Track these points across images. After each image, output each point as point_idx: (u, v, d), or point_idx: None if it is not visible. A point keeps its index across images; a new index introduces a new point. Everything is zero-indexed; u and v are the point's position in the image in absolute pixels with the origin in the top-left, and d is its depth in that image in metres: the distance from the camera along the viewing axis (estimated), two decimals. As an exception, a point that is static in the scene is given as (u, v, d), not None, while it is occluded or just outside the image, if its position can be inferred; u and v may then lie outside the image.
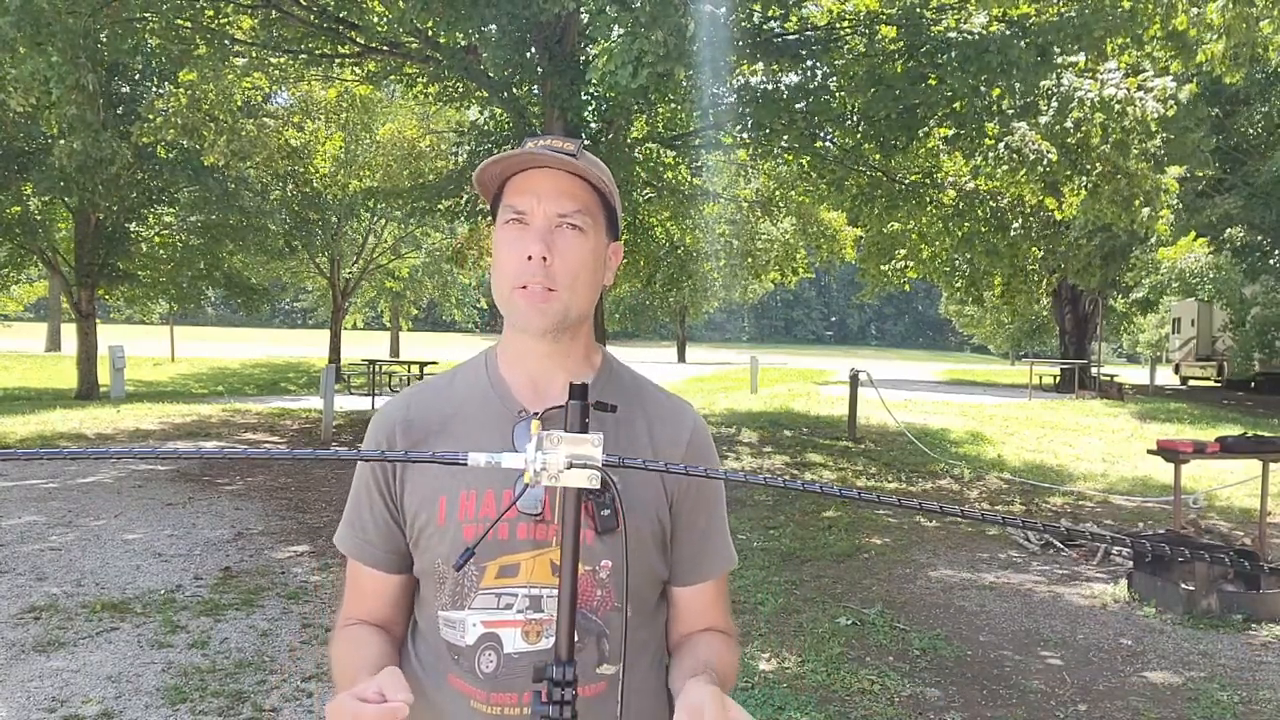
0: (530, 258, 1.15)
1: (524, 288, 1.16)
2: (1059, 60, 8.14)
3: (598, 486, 0.93)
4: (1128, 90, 8.22)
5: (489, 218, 1.27)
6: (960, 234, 12.09)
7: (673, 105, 12.05)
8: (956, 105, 9.09)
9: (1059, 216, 10.79)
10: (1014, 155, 8.93)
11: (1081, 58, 8.31)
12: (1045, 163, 8.81)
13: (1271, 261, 21.26)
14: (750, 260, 18.67)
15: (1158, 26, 8.13)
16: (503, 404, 1.21)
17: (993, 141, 9.47)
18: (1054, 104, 8.39)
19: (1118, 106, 8.18)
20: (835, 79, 9.88)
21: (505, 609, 1.16)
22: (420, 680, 1.21)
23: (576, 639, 1.13)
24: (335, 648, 1.25)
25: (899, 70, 8.90)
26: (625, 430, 1.22)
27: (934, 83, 8.73)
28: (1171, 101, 8.43)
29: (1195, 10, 7.80)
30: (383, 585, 1.25)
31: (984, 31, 8.25)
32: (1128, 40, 8.25)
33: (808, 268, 19.17)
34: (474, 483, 1.16)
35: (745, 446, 11.78)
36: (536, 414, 1.19)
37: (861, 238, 15.64)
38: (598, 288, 1.23)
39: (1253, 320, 21.57)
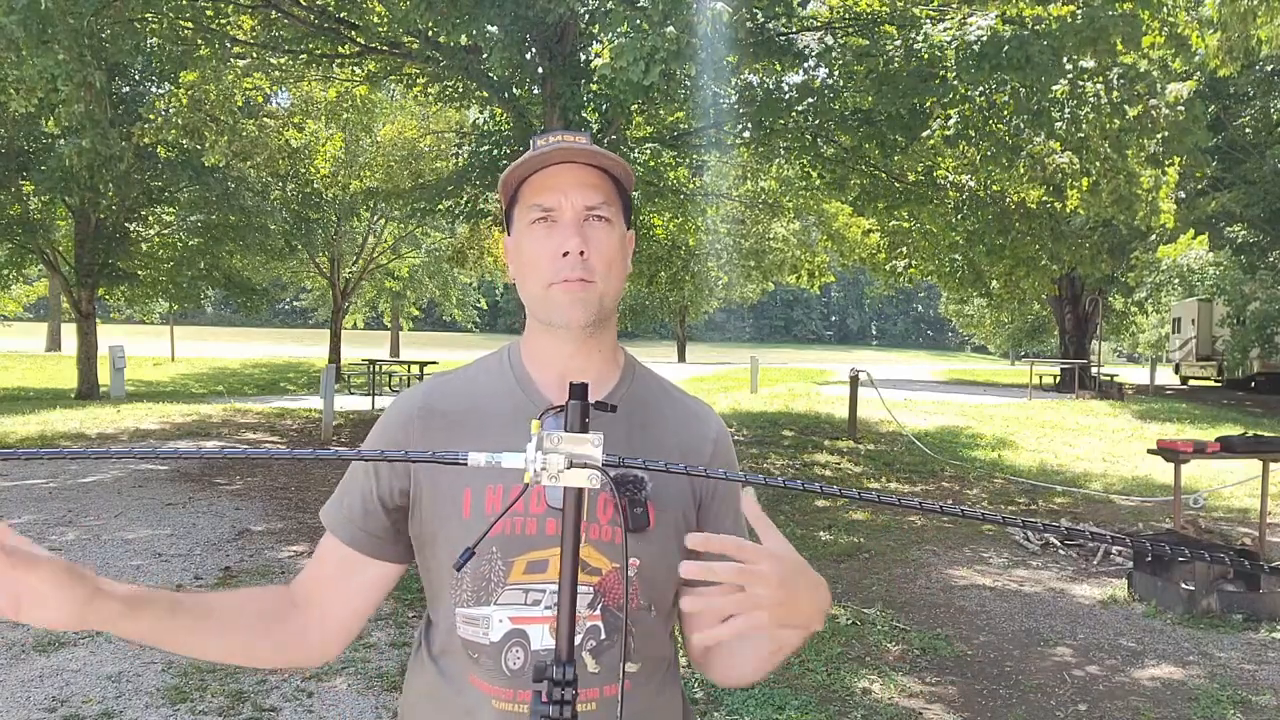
0: (566, 254, 1.14)
1: (563, 281, 1.15)
2: (1069, 65, 8.12)
3: (597, 486, 0.92)
4: (1138, 93, 8.21)
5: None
6: (962, 232, 12.08)
7: (675, 105, 12.05)
8: (964, 106, 9.08)
9: (1064, 212, 10.78)
10: (1035, 165, 8.92)
11: (1093, 64, 8.30)
12: (1066, 173, 8.80)
13: (1270, 258, 21.24)
14: (756, 261, 18.63)
15: (1157, 32, 8.14)
16: (529, 400, 1.21)
17: (993, 144, 9.46)
18: (1066, 112, 8.37)
19: (1121, 108, 8.17)
20: (837, 78, 9.87)
21: (533, 605, 1.14)
22: (440, 685, 1.19)
23: (605, 636, 1.16)
24: None
25: (901, 70, 8.89)
26: (652, 433, 1.22)
27: (940, 81, 8.71)
28: (1181, 108, 8.42)
29: (1192, 10, 7.82)
30: (336, 556, 1.23)
31: (992, 31, 8.24)
32: (1127, 40, 8.25)
33: (825, 270, 18.98)
34: (500, 476, 1.13)
35: (745, 446, 11.78)
36: (560, 409, 1.18)
37: (871, 230, 15.61)
38: (625, 277, 1.23)
39: (1251, 315, 21.47)
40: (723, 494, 1.27)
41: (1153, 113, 8.29)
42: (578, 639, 1.12)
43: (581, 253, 1.14)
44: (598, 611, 1.15)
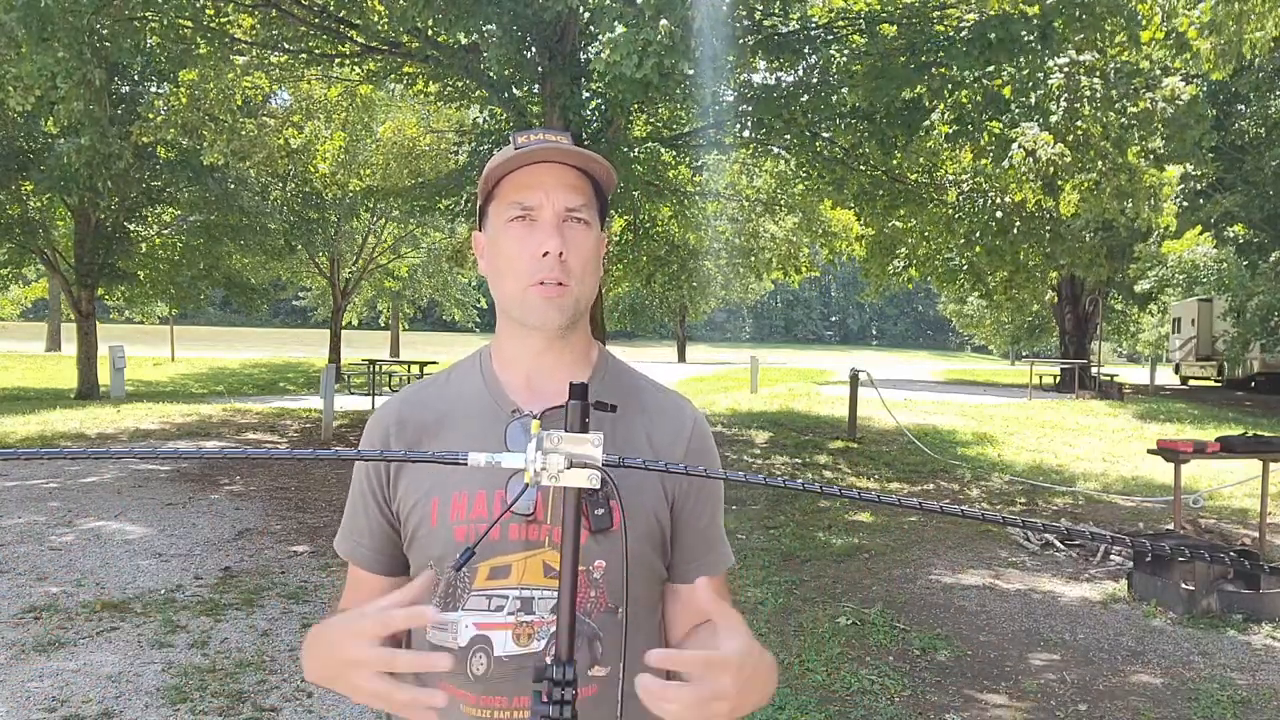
0: (546, 254, 1.14)
1: (540, 284, 1.15)
2: (1061, 45, 8.11)
3: (598, 486, 0.92)
4: (1136, 88, 8.21)
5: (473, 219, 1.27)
6: (961, 233, 12.08)
7: (674, 104, 12.05)
8: (960, 94, 9.08)
9: (1062, 214, 10.76)
10: (1028, 156, 8.91)
11: (1087, 57, 8.29)
12: (1060, 164, 8.77)
13: (1271, 258, 21.22)
14: (753, 259, 18.66)
15: (1157, 26, 8.14)
16: (496, 403, 1.21)
17: (993, 140, 9.44)
18: (1062, 103, 8.37)
19: (1121, 104, 8.17)
20: (836, 75, 9.87)
21: (496, 611, 1.14)
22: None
23: None
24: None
25: (900, 64, 8.89)
26: (623, 430, 1.20)
27: (936, 74, 8.71)
28: (1180, 101, 8.42)
29: (1190, 9, 7.83)
30: (376, 586, 1.24)
31: (982, 17, 8.25)
32: (1126, 39, 8.24)
33: (812, 265, 19.11)
34: (465, 484, 1.15)
35: (746, 446, 11.77)
36: (531, 413, 1.18)
37: (863, 236, 15.65)
38: (599, 280, 1.23)
39: (1255, 308, 21.36)
40: (698, 492, 1.24)
41: (1150, 104, 8.28)
42: (541, 644, 1.12)
43: (561, 254, 1.14)
44: None
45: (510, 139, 1.19)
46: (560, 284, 1.15)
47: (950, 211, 11.82)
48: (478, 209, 1.26)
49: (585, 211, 1.18)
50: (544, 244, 1.14)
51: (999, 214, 11.15)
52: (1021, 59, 8.05)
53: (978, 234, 11.80)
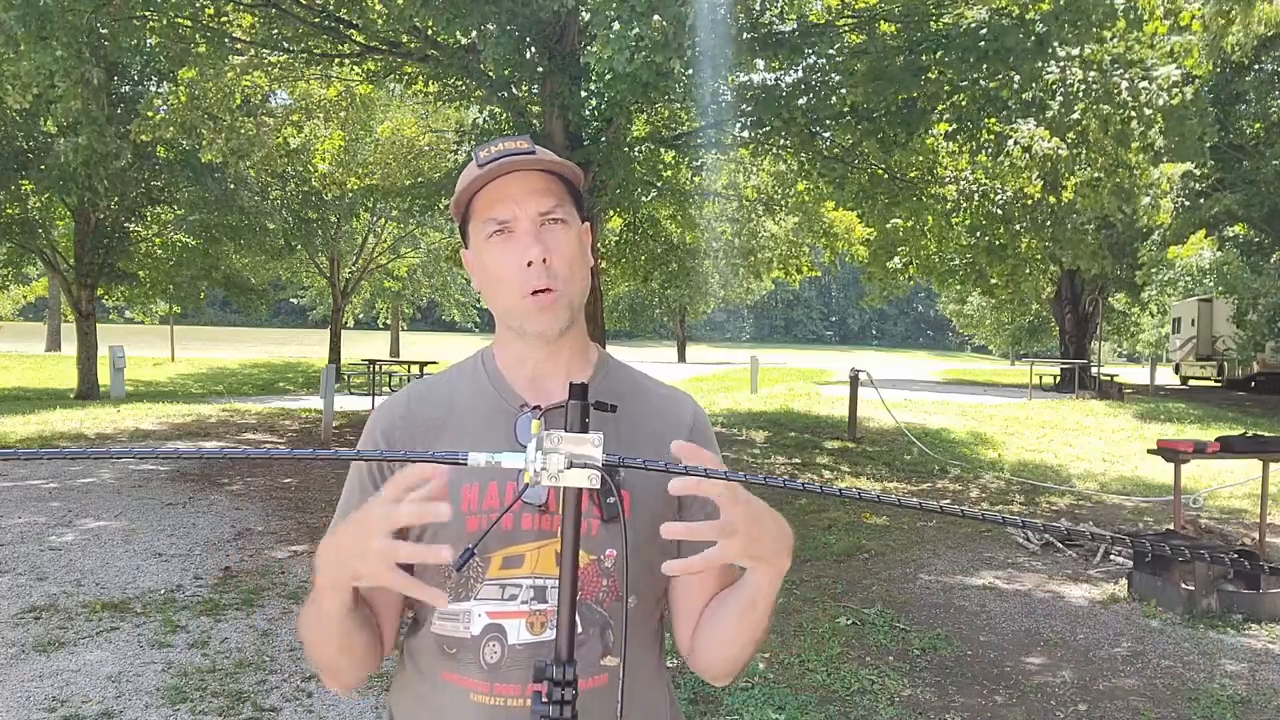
0: (530, 263, 1.16)
1: (531, 295, 1.17)
2: (1057, 50, 8.12)
3: (597, 486, 0.93)
4: (1132, 80, 8.20)
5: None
6: (961, 229, 12.07)
7: (673, 104, 12.04)
8: (958, 97, 9.07)
9: (1060, 207, 10.74)
10: (1024, 153, 8.89)
11: (1083, 50, 8.30)
12: (1055, 160, 8.77)
13: (1273, 258, 21.23)
14: (753, 259, 18.65)
15: (1159, 20, 8.14)
16: (502, 399, 1.23)
17: (992, 136, 9.44)
18: (1059, 98, 8.37)
19: (1120, 97, 8.17)
20: (835, 75, 9.88)
21: (510, 600, 1.16)
22: (418, 681, 1.22)
23: (580, 630, 1.15)
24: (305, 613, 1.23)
25: (899, 65, 8.90)
26: (627, 426, 1.22)
27: (934, 75, 8.72)
28: (1176, 90, 8.42)
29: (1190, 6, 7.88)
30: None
31: (982, 21, 8.26)
32: (1127, 25, 8.22)
33: (812, 266, 19.11)
34: (477, 475, 1.16)
35: (745, 446, 11.77)
36: (538, 408, 1.19)
37: (866, 240, 15.64)
38: (589, 274, 1.25)
39: (1263, 308, 21.31)
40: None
41: (1143, 96, 8.28)
42: (552, 634, 1.12)
43: (544, 260, 1.16)
44: None
45: (474, 156, 1.20)
46: (550, 289, 1.17)
47: (949, 206, 11.81)
48: (459, 229, 1.28)
49: (560, 211, 1.19)
50: (525, 253, 1.16)
51: (1001, 202, 11.14)
52: (1015, 68, 8.05)
53: (979, 232, 11.80)
